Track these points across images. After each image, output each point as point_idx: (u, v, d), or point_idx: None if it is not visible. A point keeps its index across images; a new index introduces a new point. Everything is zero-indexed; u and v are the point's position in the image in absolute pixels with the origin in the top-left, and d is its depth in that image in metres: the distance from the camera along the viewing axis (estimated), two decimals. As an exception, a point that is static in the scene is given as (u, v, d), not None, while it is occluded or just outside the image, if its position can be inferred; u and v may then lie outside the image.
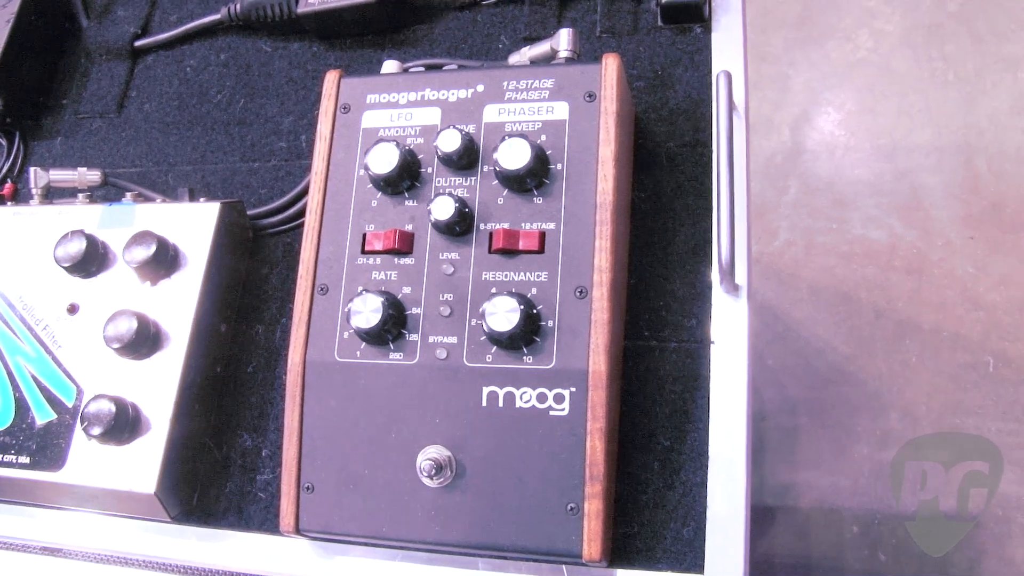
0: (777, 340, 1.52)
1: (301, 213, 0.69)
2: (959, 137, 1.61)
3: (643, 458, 0.57)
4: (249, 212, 0.70)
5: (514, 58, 0.66)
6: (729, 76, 0.62)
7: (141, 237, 0.64)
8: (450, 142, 0.57)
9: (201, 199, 0.67)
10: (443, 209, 0.56)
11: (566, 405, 0.54)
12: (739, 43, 0.66)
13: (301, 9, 0.74)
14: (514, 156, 0.56)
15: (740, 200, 0.59)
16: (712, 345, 0.59)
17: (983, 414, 1.42)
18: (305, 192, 0.69)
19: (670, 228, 0.63)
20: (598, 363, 0.54)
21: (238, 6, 0.77)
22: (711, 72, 0.66)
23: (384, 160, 0.58)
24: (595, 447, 0.53)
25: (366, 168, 0.59)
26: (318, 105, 0.72)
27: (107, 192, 0.74)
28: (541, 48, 0.64)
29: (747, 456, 0.56)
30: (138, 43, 0.81)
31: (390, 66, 0.65)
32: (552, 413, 0.54)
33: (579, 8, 0.72)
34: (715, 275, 0.61)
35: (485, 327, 0.54)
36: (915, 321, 1.50)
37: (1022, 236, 1.53)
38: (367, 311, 0.56)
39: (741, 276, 0.59)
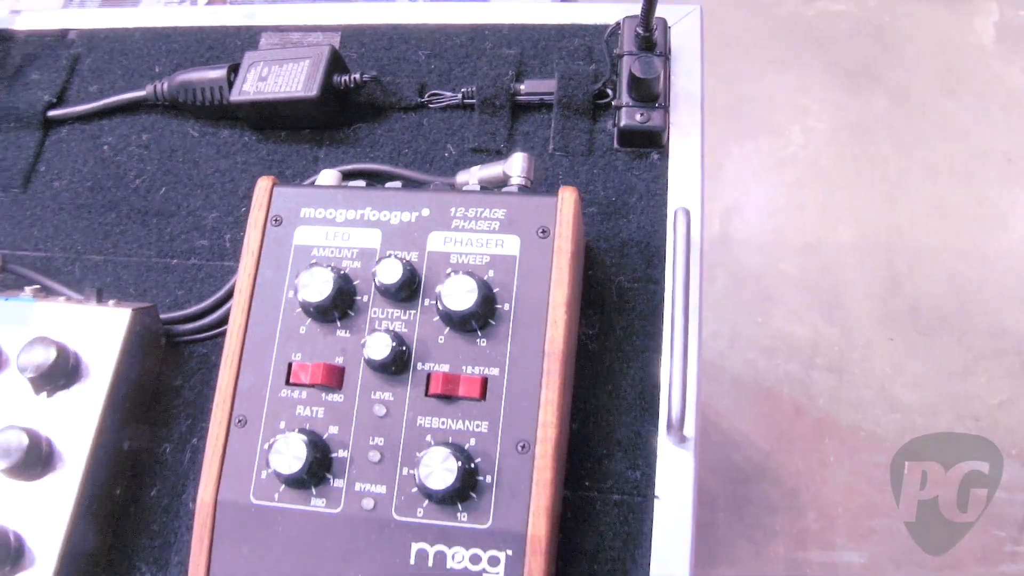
0: (697, 432, 1.52)
1: (221, 321, 0.64)
2: (881, 236, 1.64)
3: (578, 624, 0.53)
4: (163, 316, 0.64)
5: (461, 176, 0.62)
6: (688, 214, 0.60)
7: (38, 343, 0.57)
8: (390, 274, 0.53)
9: (110, 301, 0.61)
10: (378, 348, 0.52)
11: (501, 569, 0.49)
12: (697, 175, 0.64)
13: (234, 97, 0.68)
14: (459, 296, 0.52)
15: (692, 348, 0.57)
16: (656, 500, 0.56)
17: (898, 516, 1.43)
18: (226, 299, 0.64)
19: (618, 370, 0.59)
20: (538, 527, 0.50)
21: (165, 85, 0.71)
22: (667, 205, 0.64)
23: (317, 287, 0.53)
24: (530, 619, 0.49)
25: (295, 291, 0.54)
26: (246, 202, 0.68)
27: (4, 279, 0.67)
28: (492, 171, 0.60)
29: (688, 628, 0.53)
30: (52, 112, 0.74)
31: (327, 176, 0.61)
32: (485, 577, 0.50)
33: (531, 121, 0.69)
34: (662, 425, 0.58)
35: (418, 481, 0.50)
36: (833, 419, 1.51)
37: (936, 340, 1.56)
38: (289, 455, 0.51)
39: (690, 427, 0.56)
